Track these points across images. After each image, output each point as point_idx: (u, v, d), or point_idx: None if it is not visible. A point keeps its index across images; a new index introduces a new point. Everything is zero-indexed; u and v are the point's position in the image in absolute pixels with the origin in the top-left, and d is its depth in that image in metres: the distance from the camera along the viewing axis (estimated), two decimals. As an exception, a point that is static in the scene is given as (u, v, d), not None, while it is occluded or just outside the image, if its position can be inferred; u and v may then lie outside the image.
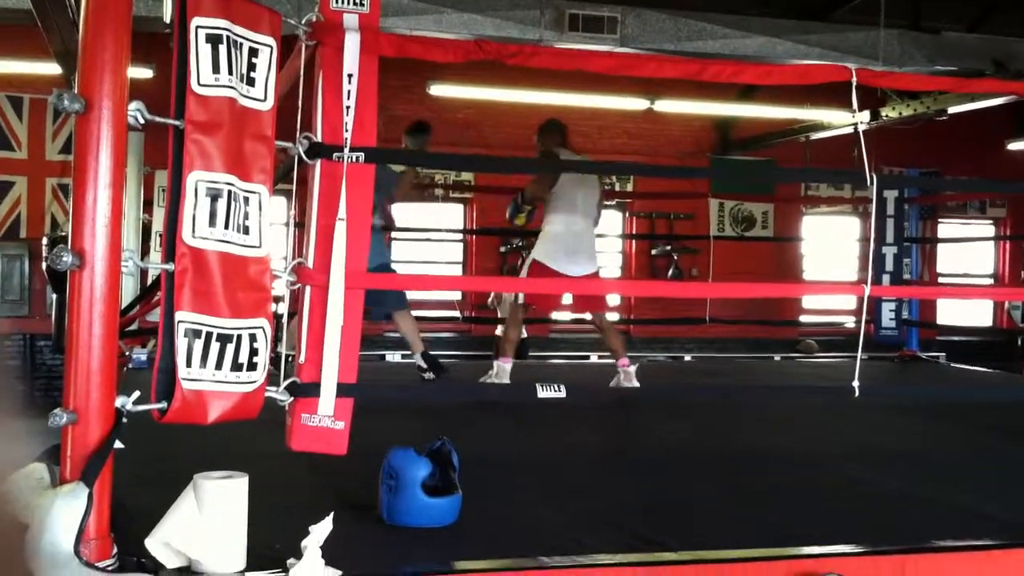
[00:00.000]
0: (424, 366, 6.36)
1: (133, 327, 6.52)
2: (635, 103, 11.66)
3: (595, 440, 4.76)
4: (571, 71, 3.80)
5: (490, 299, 10.93)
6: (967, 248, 14.84)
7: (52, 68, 7.98)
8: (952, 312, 13.89)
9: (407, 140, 6.45)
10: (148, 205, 8.38)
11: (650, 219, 13.17)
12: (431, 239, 12.44)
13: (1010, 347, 12.90)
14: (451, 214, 12.61)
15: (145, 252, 8.04)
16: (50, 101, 2.33)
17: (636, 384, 5.98)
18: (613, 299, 13.10)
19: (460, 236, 12.73)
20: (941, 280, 13.72)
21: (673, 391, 6.19)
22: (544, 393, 3.24)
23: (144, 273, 6.76)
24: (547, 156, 6.22)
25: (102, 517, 2.30)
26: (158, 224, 8.96)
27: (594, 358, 10.62)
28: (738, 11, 8.26)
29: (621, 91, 11.01)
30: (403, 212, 12.28)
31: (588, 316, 6.73)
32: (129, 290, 6.63)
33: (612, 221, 13.15)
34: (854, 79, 3.46)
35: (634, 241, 13.24)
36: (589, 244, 6.28)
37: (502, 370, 6.16)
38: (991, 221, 14.87)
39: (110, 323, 2.31)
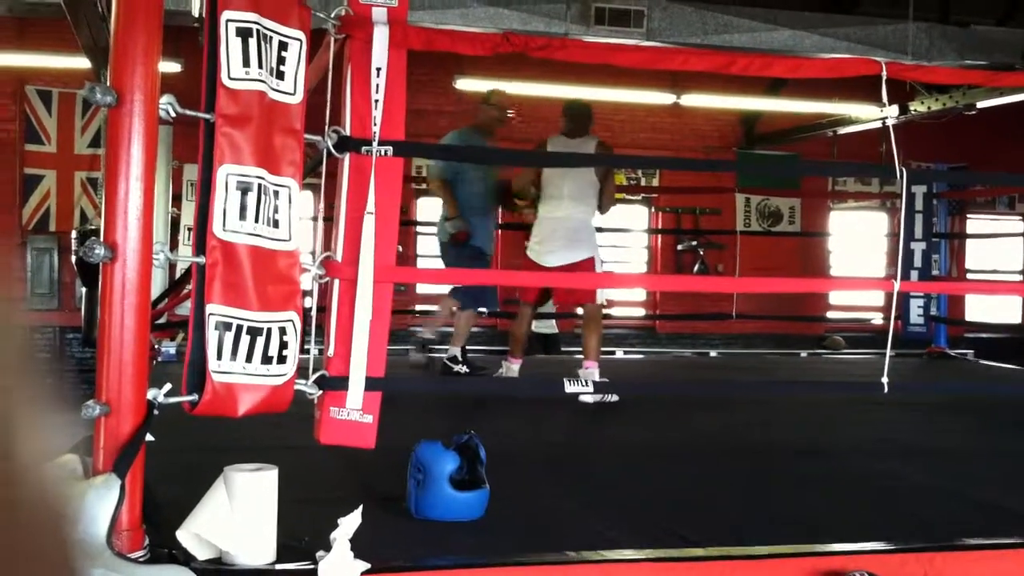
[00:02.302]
0: (459, 360, 6.37)
1: (162, 320, 6.56)
2: (661, 97, 11.61)
3: (621, 434, 4.76)
4: (597, 65, 3.79)
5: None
6: (996, 244, 14.70)
7: (82, 62, 8.02)
8: (981, 309, 13.77)
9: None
10: (176, 199, 8.42)
11: (676, 214, 13.11)
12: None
13: (1039, 344, 12.77)
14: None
15: (173, 246, 8.08)
16: (81, 94, 2.34)
17: (589, 389, 3.94)
18: (636, 295, 13.10)
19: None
20: (970, 276, 13.60)
21: (696, 387, 6.18)
22: (571, 388, 3.24)
23: (172, 266, 6.80)
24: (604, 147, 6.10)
25: (134, 508, 2.31)
26: (186, 218, 9.03)
27: (619, 353, 10.60)
28: (765, 4, 8.21)
29: (647, 85, 10.97)
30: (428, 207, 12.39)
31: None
32: (158, 283, 6.67)
33: (638, 216, 13.11)
34: (884, 73, 3.44)
35: (660, 236, 13.18)
36: (572, 232, 5.92)
37: (509, 370, 6.11)
38: (1020, 217, 14.72)
39: (142, 315, 2.33)
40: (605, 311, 6.48)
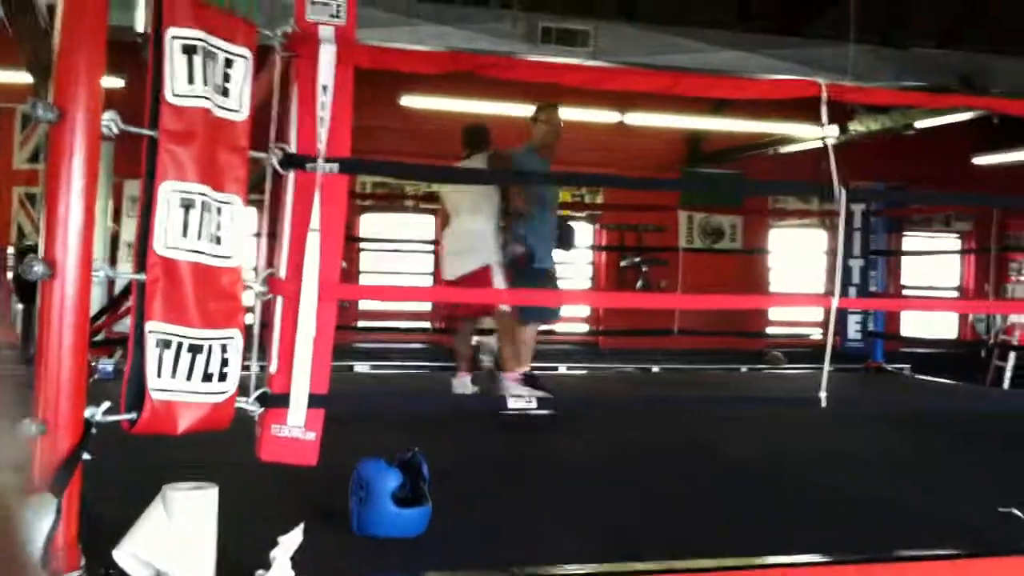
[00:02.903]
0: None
1: (100, 337, 6.47)
2: (606, 116, 11.69)
3: (565, 450, 4.78)
4: (543, 84, 3.82)
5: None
6: (933, 262, 14.98)
7: (20, 77, 7.90)
8: (917, 325, 14.02)
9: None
10: (116, 215, 8.33)
11: (620, 231, 13.22)
12: (401, 250, 12.42)
13: (974, 359, 13.01)
14: (422, 225, 12.58)
15: (112, 262, 7.99)
16: (21, 110, 2.32)
17: (533, 405, 3.75)
18: (579, 311, 13.16)
19: (430, 247, 12.72)
20: (906, 292, 13.85)
21: (638, 401, 6.21)
22: (515, 404, 3.25)
23: (111, 283, 6.72)
24: (500, 159, 6.09)
25: (70, 527, 2.29)
26: (126, 234, 8.93)
27: (562, 368, 10.64)
28: (710, 25, 8.32)
29: (592, 104, 11.04)
30: (373, 223, 12.34)
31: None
32: (96, 300, 6.58)
33: (582, 233, 13.18)
34: (824, 94, 3.49)
35: (603, 253, 13.27)
36: (465, 243, 5.96)
37: (464, 385, 6.11)
38: (957, 235, 15.02)
39: (80, 333, 2.31)
40: (548, 327, 6.50)
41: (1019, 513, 3.48)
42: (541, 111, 6.39)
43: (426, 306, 12.23)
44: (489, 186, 5.98)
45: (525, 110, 10.44)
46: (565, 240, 6.68)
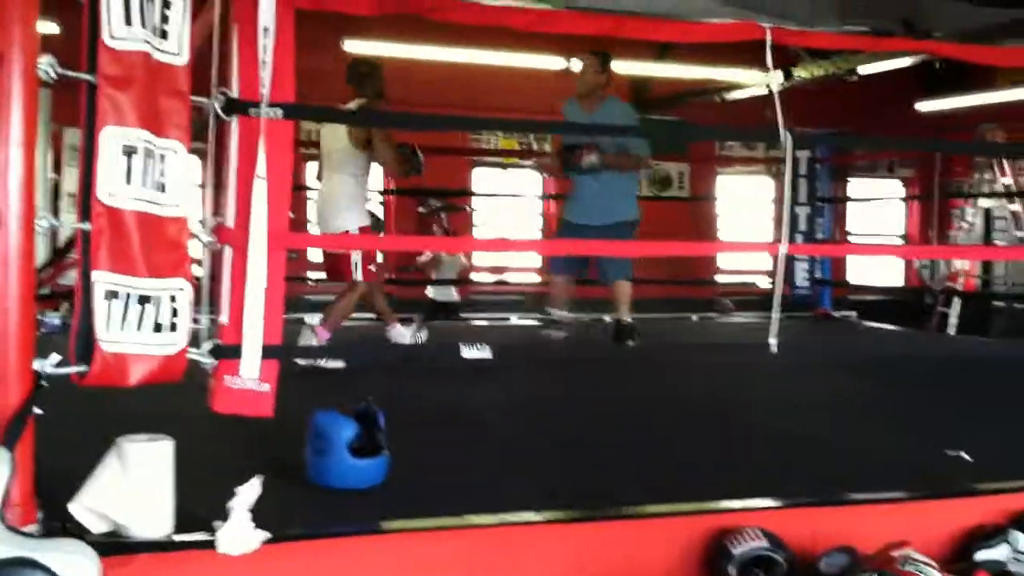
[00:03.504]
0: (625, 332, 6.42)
1: (45, 291, 6.35)
2: (551, 61, 11.62)
3: (519, 399, 4.79)
4: (488, 28, 3.77)
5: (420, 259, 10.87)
6: (876, 208, 15.14)
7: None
8: (863, 272, 14.18)
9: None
10: (57, 165, 8.15)
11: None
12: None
13: (919, 306, 13.21)
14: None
15: (55, 213, 7.83)
16: (-45, 56, 2.24)
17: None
18: (530, 260, 13.17)
19: (379, 197, 12.61)
20: (851, 239, 13.99)
21: (590, 351, 6.24)
22: (469, 353, 3.24)
23: (55, 235, 6.58)
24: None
25: (25, 482, 2.25)
26: (68, 184, 8.74)
27: (514, 319, 10.65)
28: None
29: (538, 49, 10.97)
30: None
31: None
32: (41, 252, 6.45)
33: (532, 182, 13.17)
34: (769, 38, 3.48)
35: (553, 202, 13.24)
36: (324, 206, 5.72)
37: (401, 335, 6.01)
38: (900, 181, 15.18)
39: (27, 285, 2.26)
40: (498, 277, 6.51)
41: (966, 456, 3.55)
42: (574, 63, 6.41)
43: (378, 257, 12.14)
44: (351, 146, 5.64)
45: (471, 55, 10.37)
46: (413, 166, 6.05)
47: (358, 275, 5.56)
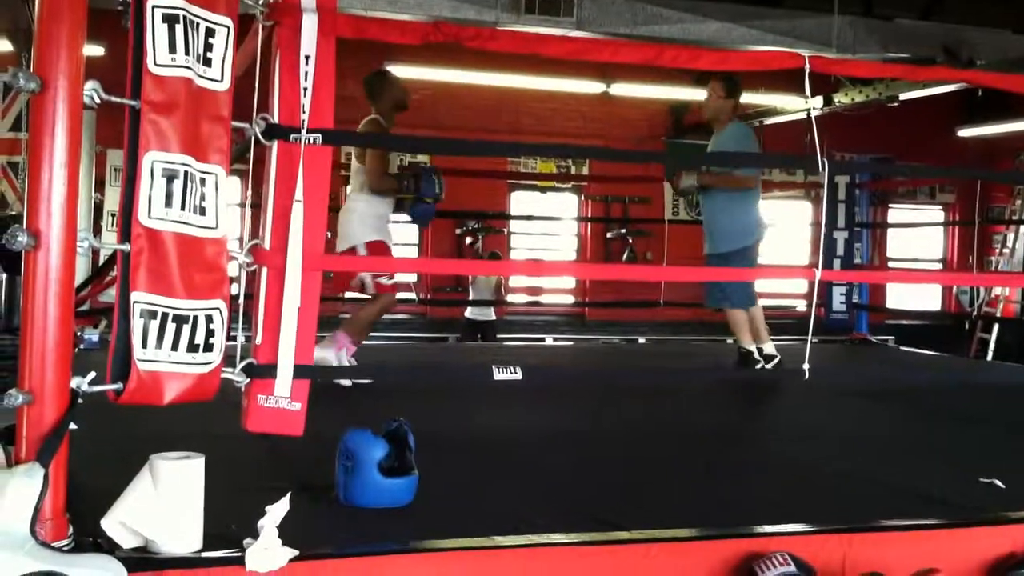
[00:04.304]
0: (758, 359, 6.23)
1: (85, 307, 6.46)
2: (591, 86, 11.69)
3: (550, 421, 4.80)
4: (528, 54, 3.81)
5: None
6: (917, 233, 15.04)
7: (2, 45, 7.85)
8: (901, 296, 14.08)
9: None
10: (100, 184, 8.29)
11: (606, 202, 13.23)
12: (392, 220, 12.36)
13: (957, 331, 13.10)
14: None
15: (96, 232, 7.96)
16: (2, 79, 2.31)
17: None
18: (566, 282, 13.18)
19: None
20: (891, 265, 13.90)
21: (621, 374, 6.24)
22: (500, 375, 3.26)
23: (96, 253, 6.70)
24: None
25: (58, 497, 2.29)
26: (110, 203, 8.89)
27: (549, 340, 10.68)
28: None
29: (577, 74, 11.04)
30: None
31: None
32: (81, 270, 6.56)
33: (568, 204, 13.21)
34: (807, 66, 3.50)
35: (589, 224, 13.29)
36: (346, 218, 5.64)
37: (324, 352, 5.38)
38: (940, 207, 15.07)
39: (65, 304, 2.30)
40: (533, 299, 6.50)
41: (1000, 484, 3.52)
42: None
43: (411, 277, 12.22)
44: (355, 162, 5.69)
45: (510, 80, 10.45)
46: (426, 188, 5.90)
47: (370, 290, 5.58)
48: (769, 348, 6.28)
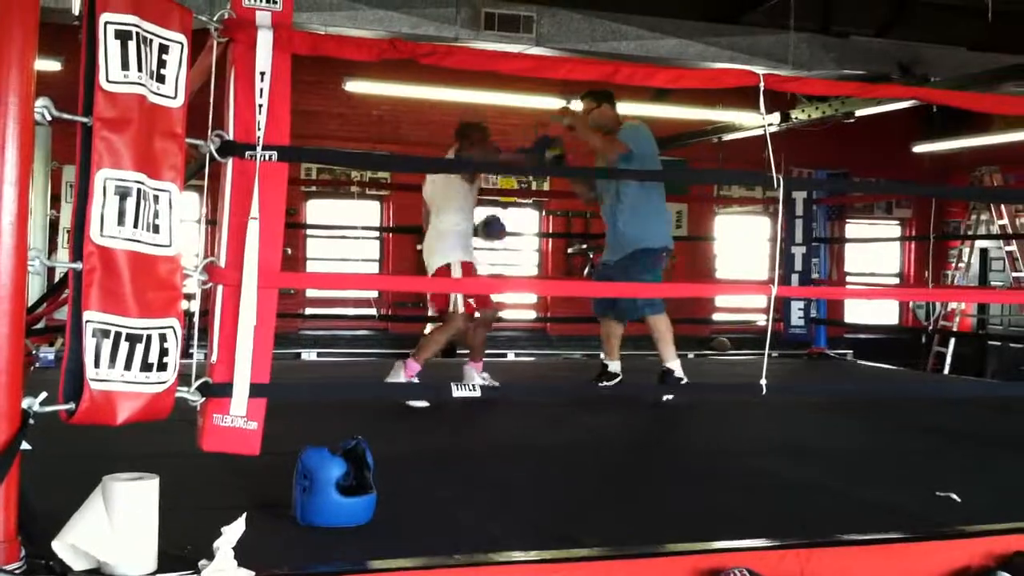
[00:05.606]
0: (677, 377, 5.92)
1: (40, 325, 6.37)
2: (550, 102, 11.70)
3: (509, 436, 4.80)
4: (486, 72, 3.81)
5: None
6: (874, 248, 15.20)
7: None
8: (859, 310, 14.21)
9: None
10: (56, 200, 8.20)
11: (567, 217, 13.26)
12: (347, 236, 12.33)
13: (915, 345, 13.24)
14: (367, 211, 12.52)
15: (53, 248, 7.87)
16: (-48, 96, 2.27)
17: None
18: (527, 297, 13.19)
19: (377, 234, 12.66)
20: (849, 279, 14.03)
21: (585, 389, 6.23)
22: (459, 392, 3.25)
23: (52, 270, 6.61)
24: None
25: (9, 519, 2.26)
26: (65, 220, 8.77)
27: (511, 355, 10.66)
28: (652, 12, 8.36)
29: (537, 90, 11.05)
30: (320, 209, 12.26)
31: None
32: (36, 288, 6.47)
33: (529, 220, 13.22)
34: (762, 84, 3.52)
35: (550, 240, 13.30)
36: (430, 242, 6.03)
37: (470, 376, 5.99)
38: (897, 222, 15.24)
39: (16, 323, 2.28)
40: (495, 313, 6.50)
41: (956, 497, 3.56)
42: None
43: (372, 293, 12.18)
44: (459, 184, 5.98)
45: (469, 96, 10.46)
46: (493, 231, 6.75)
47: (459, 308, 5.79)
48: (615, 367, 6.29)
